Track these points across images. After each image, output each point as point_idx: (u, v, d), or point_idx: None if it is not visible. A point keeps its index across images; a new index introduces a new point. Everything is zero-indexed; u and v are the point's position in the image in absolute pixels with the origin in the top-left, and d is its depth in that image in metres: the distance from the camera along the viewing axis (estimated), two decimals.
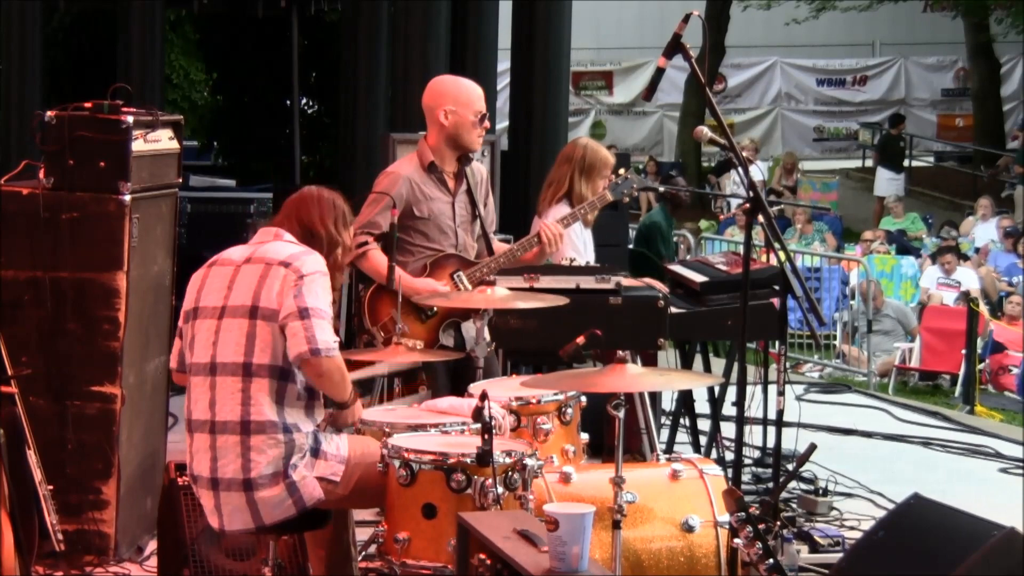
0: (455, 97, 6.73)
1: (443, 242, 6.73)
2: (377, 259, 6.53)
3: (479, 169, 6.93)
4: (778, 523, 5.21)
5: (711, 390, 8.38)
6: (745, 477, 7.82)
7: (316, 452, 5.06)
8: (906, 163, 25.39)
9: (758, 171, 22.63)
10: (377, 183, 6.76)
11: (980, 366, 13.63)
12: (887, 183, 24.03)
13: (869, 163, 27.96)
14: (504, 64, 11.80)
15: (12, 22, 12.47)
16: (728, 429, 8.10)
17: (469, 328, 6.64)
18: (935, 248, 18.53)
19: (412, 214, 6.67)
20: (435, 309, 6.59)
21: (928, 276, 16.90)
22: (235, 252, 5.22)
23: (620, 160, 11.33)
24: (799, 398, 10.34)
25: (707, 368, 8.63)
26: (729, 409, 8.01)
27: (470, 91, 6.78)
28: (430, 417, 5.52)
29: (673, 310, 7.57)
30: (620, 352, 5.05)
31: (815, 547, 6.88)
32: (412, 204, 6.67)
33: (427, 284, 6.56)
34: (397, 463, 4.96)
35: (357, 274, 7.14)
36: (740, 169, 5.52)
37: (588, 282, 7.35)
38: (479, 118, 6.72)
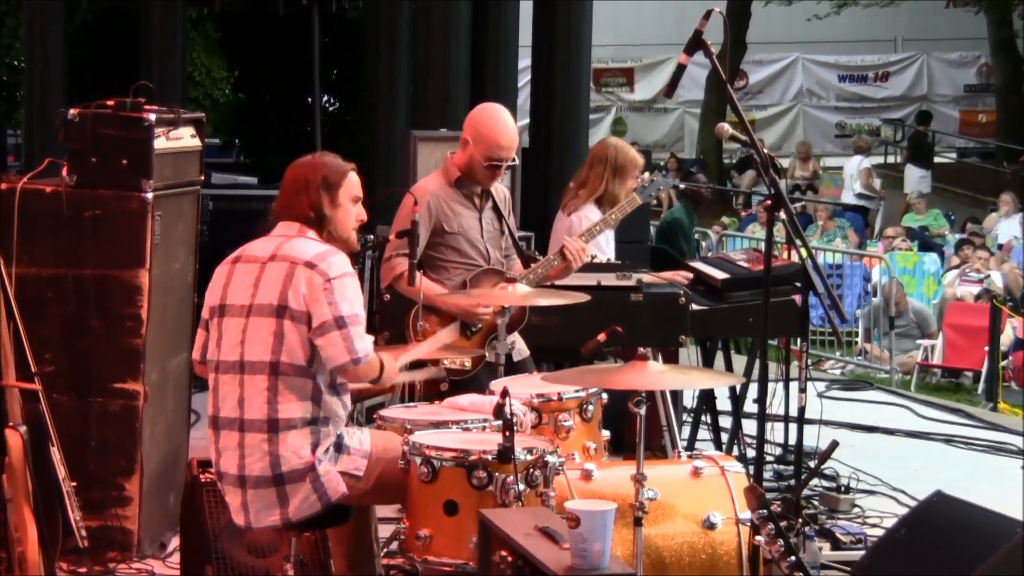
0: (476, 133, 6.58)
1: (474, 256, 6.65)
2: (423, 283, 6.42)
3: (501, 189, 6.87)
4: (800, 520, 5.21)
5: (732, 387, 8.37)
6: (767, 474, 7.82)
7: (339, 447, 5.07)
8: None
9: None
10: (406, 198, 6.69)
11: (1003, 363, 13.59)
12: (918, 180, 23.95)
13: (891, 159, 27.88)
14: (525, 61, 11.81)
15: (35, 20, 12.53)
16: (750, 426, 8.10)
17: (514, 340, 6.65)
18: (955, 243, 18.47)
19: (442, 230, 6.59)
20: (479, 325, 6.57)
21: (952, 273, 16.85)
22: (259, 247, 5.20)
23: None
24: (821, 395, 10.28)
25: (728, 365, 8.62)
26: (751, 406, 7.99)
27: (492, 134, 6.56)
28: (451, 414, 5.53)
29: (694, 307, 7.58)
30: (641, 349, 5.06)
31: (837, 544, 6.87)
32: (441, 220, 6.58)
33: (446, 294, 6.49)
34: (418, 460, 4.96)
35: (379, 275, 7.13)
36: (760, 166, 5.51)
37: (609, 279, 7.36)
38: (489, 165, 6.55)
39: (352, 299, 5.06)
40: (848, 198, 22.59)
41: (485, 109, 6.81)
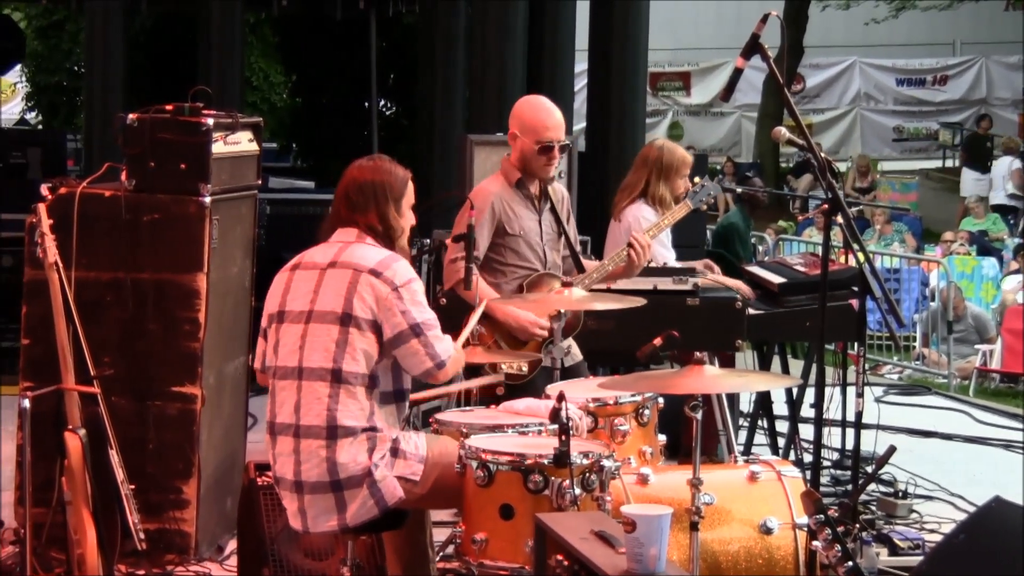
0: (521, 122, 6.59)
1: (532, 260, 6.64)
2: (480, 288, 6.43)
3: (560, 189, 6.86)
4: (857, 526, 5.19)
5: (789, 391, 8.35)
6: (824, 479, 7.78)
7: (395, 452, 5.07)
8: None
9: None
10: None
11: None
12: (974, 184, 23.78)
13: (949, 163, 27.70)
14: (581, 65, 11.79)
15: (95, 25, 12.63)
16: (806, 431, 8.08)
17: (569, 345, 6.64)
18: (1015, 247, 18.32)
19: (504, 232, 6.58)
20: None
21: (1011, 278, 16.70)
22: (318, 254, 5.21)
23: (698, 161, 11.30)
24: (878, 400, 10.27)
25: (785, 369, 8.59)
26: (807, 411, 7.97)
27: (535, 118, 6.57)
28: (507, 418, 5.53)
29: (751, 311, 7.56)
30: (698, 353, 5.04)
31: (895, 550, 6.84)
32: (504, 222, 6.57)
33: (514, 313, 6.49)
34: (474, 464, 4.96)
35: (436, 277, 7.14)
36: (818, 170, 5.49)
37: (666, 283, 7.35)
38: (541, 148, 6.53)
39: (423, 303, 5.09)
40: (999, 198, 22.45)
41: (522, 100, 6.86)
